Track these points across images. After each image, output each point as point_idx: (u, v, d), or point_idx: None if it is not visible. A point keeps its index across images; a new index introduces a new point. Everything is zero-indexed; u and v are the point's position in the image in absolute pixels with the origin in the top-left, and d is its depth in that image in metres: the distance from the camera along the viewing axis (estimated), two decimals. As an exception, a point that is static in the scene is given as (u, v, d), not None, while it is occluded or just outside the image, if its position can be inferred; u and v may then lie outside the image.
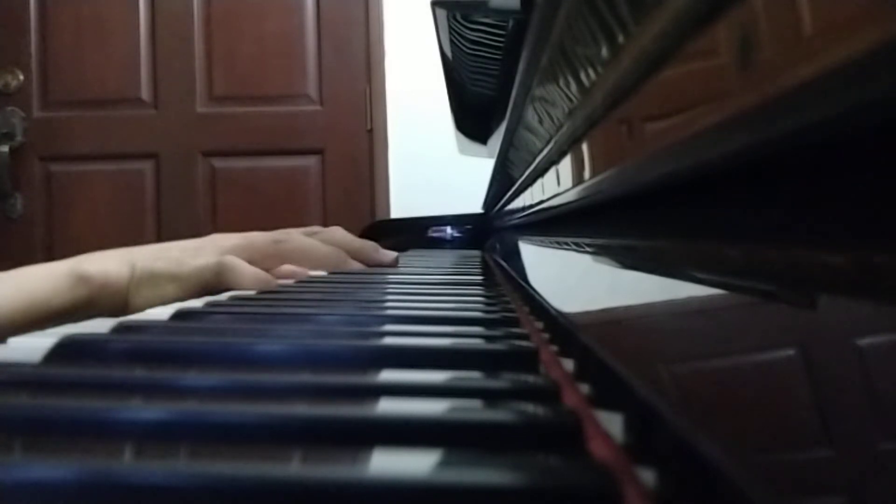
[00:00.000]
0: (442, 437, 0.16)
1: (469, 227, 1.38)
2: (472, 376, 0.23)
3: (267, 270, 0.56)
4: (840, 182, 0.13)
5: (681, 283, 0.18)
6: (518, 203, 0.70)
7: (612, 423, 0.17)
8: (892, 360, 0.10)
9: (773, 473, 0.11)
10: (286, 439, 0.16)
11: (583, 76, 0.28)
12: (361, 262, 0.68)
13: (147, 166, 2.20)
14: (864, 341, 0.10)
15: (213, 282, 0.53)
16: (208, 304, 0.38)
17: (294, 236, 0.63)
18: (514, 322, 0.33)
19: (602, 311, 0.25)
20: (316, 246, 0.63)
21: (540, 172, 0.48)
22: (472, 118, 1.11)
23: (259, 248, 0.59)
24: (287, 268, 0.59)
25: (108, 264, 0.54)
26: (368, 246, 0.70)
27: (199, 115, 2.20)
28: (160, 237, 2.07)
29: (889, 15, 0.08)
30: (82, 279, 0.51)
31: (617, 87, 0.23)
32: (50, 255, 2.02)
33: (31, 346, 0.24)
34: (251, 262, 0.55)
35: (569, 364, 0.24)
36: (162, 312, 0.34)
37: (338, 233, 0.69)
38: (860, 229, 0.12)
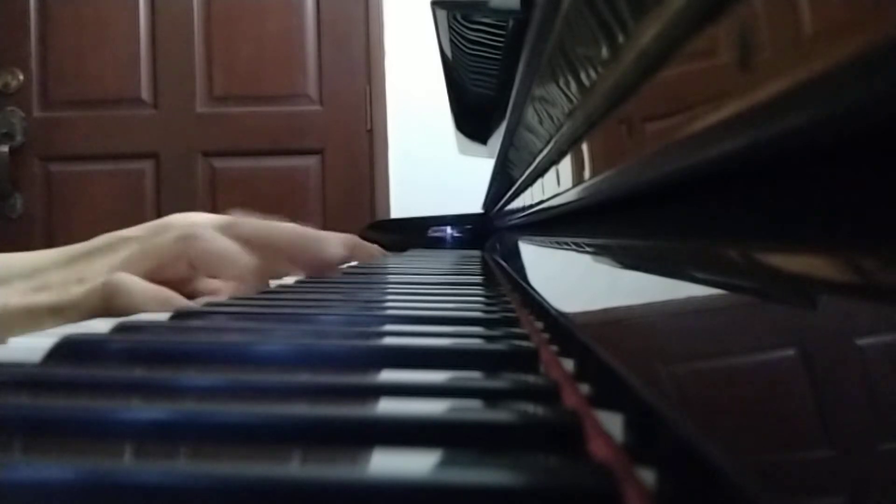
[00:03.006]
0: (442, 437, 0.16)
1: (469, 227, 1.38)
2: (472, 376, 0.23)
3: (174, 278, 0.44)
4: (840, 182, 0.13)
5: (681, 283, 0.18)
6: (518, 203, 0.70)
7: (612, 423, 0.17)
8: (892, 360, 0.10)
9: (773, 473, 0.11)
10: (286, 439, 0.16)
11: (583, 76, 0.28)
12: (303, 265, 0.53)
13: (147, 166, 2.20)
14: (864, 341, 0.10)
15: (102, 307, 0.42)
16: (208, 304, 0.38)
17: (205, 237, 0.46)
18: (514, 322, 0.33)
19: (602, 311, 0.25)
20: (235, 254, 0.46)
21: (540, 172, 0.48)
22: (472, 118, 1.11)
23: (162, 254, 0.45)
24: (212, 284, 0.46)
25: None
26: (311, 240, 0.52)
27: (199, 115, 2.20)
28: (160, 237, 2.07)
29: (889, 15, 0.08)
30: None
31: (617, 87, 0.23)
32: (50, 255, 2.01)
33: (31, 346, 0.24)
34: (156, 268, 0.44)
35: (569, 364, 0.24)
36: (161, 313, 0.34)
37: (263, 230, 0.50)
38: (860, 229, 0.12)
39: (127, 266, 0.45)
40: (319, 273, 0.54)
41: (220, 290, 0.45)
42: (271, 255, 0.51)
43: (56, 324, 0.41)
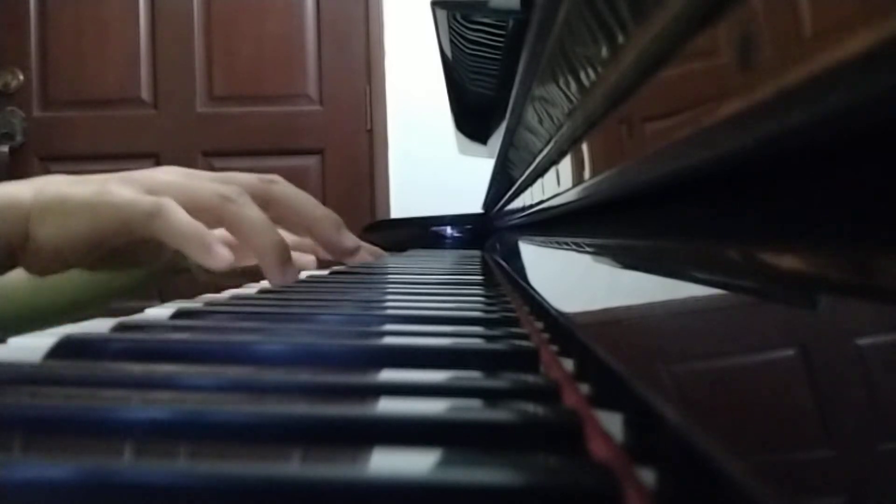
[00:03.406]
0: (442, 436, 0.16)
1: (469, 227, 1.38)
2: (472, 376, 0.23)
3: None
4: (840, 182, 0.13)
5: (681, 283, 0.18)
6: (518, 203, 0.70)
7: (612, 423, 0.17)
8: (892, 360, 0.10)
9: (774, 473, 0.11)
10: (286, 439, 0.16)
11: (583, 76, 0.28)
12: (317, 239, 0.55)
13: (147, 166, 2.20)
14: (864, 341, 0.10)
15: (139, 223, 0.42)
16: (208, 304, 0.38)
17: (245, 204, 0.47)
18: (514, 322, 0.33)
19: (602, 311, 0.25)
20: (266, 228, 0.47)
21: (540, 172, 0.48)
22: (472, 118, 1.11)
23: (202, 202, 0.46)
24: (223, 234, 0.47)
25: (16, 186, 0.45)
26: (329, 221, 0.54)
27: (199, 115, 2.20)
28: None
29: (889, 15, 0.08)
30: None
31: (617, 87, 0.23)
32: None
33: (32, 346, 0.24)
34: (189, 209, 0.44)
35: (569, 364, 0.24)
36: (162, 312, 0.34)
37: (295, 200, 0.52)
38: (860, 229, 0.12)
39: (166, 189, 0.45)
40: (332, 255, 0.57)
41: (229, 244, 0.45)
42: (296, 224, 0.53)
43: (89, 220, 0.42)
